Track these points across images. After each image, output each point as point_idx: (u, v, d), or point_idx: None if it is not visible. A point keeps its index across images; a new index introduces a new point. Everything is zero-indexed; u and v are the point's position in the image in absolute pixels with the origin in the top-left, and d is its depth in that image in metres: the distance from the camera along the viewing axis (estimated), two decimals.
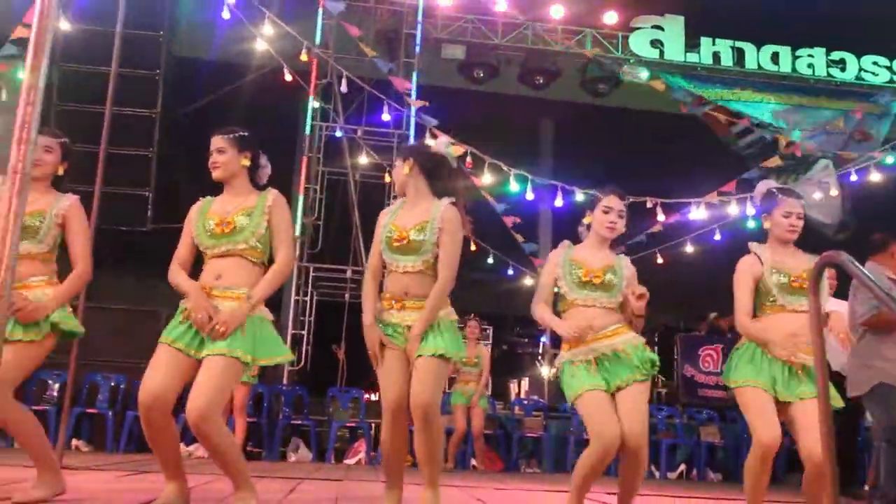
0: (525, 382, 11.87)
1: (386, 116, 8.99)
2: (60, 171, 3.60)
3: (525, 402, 10.57)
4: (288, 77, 8.33)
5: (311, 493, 4.55)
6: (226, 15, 8.15)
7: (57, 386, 8.37)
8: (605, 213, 3.62)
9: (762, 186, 3.88)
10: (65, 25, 8.24)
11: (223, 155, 3.40)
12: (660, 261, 10.07)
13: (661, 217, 9.59)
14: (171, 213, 9.96)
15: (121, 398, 8.72)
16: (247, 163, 3.43)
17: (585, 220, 3.71)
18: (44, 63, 1.70)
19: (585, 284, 3.53)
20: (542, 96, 12.14)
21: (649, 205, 9.17)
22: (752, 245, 3.73)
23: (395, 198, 3.75)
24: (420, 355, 3.36)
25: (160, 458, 3.21)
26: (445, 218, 3.51)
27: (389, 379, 3.40)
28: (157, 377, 3.13)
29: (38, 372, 8.04)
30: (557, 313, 3.62)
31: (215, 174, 3.42)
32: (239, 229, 3.30)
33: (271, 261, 3.38)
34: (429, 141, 8.32)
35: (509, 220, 9.67)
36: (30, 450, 3.37)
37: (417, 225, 3.50)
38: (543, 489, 5.99)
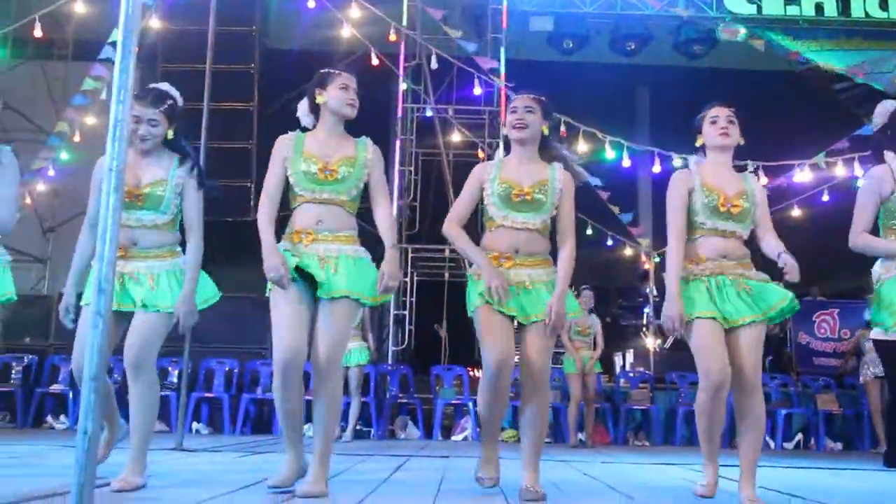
0: (630, 355, 11.68)
1: (477, 90, 8.92)
2: (170, 135, 3.42)
3: (631, 374, 10.41)
4: (375, 61, 8.38)
5: (419, 470, 4.61)
6: (311, 3, 8.26)
7: (176, 372, 8.76)
8: (713, 123, 3.40)
9: (887, 105, 3.61)
10: (156, 24, 8.52)
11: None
12: None
13: (763, 180, 9.20)
14: None
15: (235, 382, 9.08)
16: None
17: (698, 143, 3.48)
18: (132, 63, 1.75)
19: (721, 213, 3.30)
20: (634, 62, 11.83)
21: (751, 168, 8.79)
22: (888, 155, 3.45)
23: None
24: (535, 321, 3.27)
25: (288, 423, 3.28)
26: (566, 181, 3.44)
27: (496, 337, 3.24)
28: (294, 326, 3.17)
29: (159, 360, 8.45)
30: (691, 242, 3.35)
31: (351, 112, 3.36)
32: (342, 179, 3.28)
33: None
34: None
35: (606, 193, 9.49)
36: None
37: (537, 184, 3.39)
38: (652, 462, 5.89)
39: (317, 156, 3.28)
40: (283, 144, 3.35)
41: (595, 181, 9.10)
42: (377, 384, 9.12)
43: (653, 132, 12.28)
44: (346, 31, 8.35)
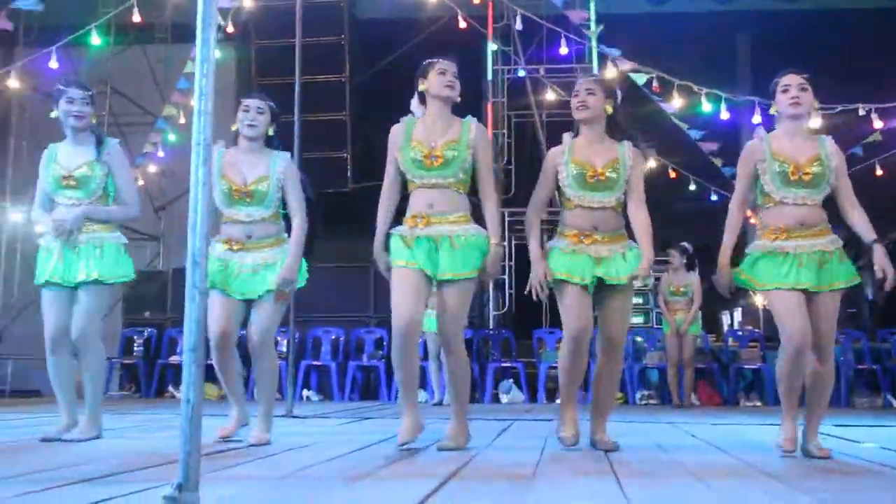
0: (738, 313, 11.31)
1: (564, 50, 8.69)
2: (270, 132, 3.85)
3: (739, 332, 10.09)
4: (463, 24, 8.27)
5: (523, 433, 4.60)
6: None
7: (284, 342, 9.03)
8: (785, 91, 3.46)
9: None
10: (248, 2, 8.65)
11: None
12: (879, 172, 9.12)
13: (877, 124, 8.63)
14: (368, 172, 10.34)
15: (342, 349, 9.30)
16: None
17: (772, 111, 3.54)
18: (212, 37, 1.76)
19: (793, 182, 3.40)
20: (732, 9, 11.28)
21: (862, 112, 8.25)
22: None
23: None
24: (614, 284, 3.53)
25: (406, 384, 3.54)
26: (635, 158, 3.63)
27: (576, 310, 3.53)
28: (410, 301, 3.42)
29: None
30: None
31: (450, 93, 3.57)
32: (447, 163, 3.48)
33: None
34: (610, 71, 8.03)
35: (708, 145, 9.11)
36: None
37: (609, 163, 3.58)
38: (763, 423, 5.69)
39: (423, 142, 3.50)
40: (395, 133, 3.60)
41: (696, 134, 8.76)
42: (479, 348, 9.15)
43: (756, 81, 11.72)
44: None
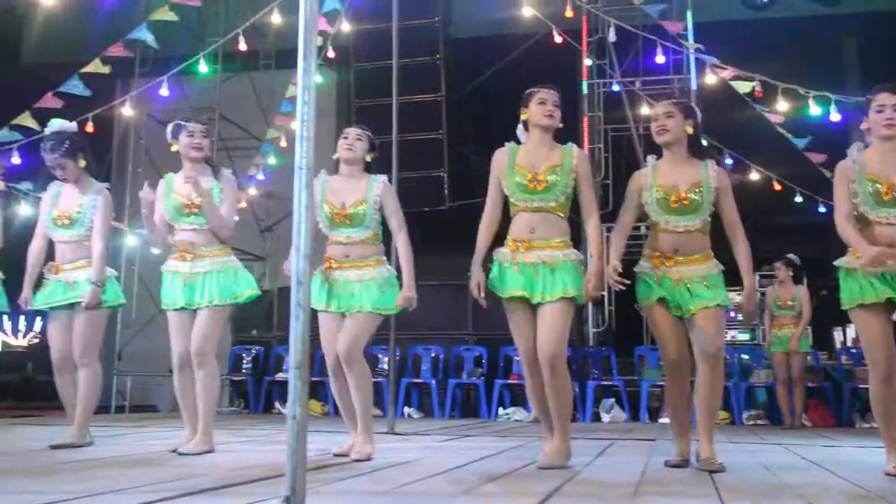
0: (851, 330, 10.77)
1: (660, 59, 8.50)
2: (369, 158, 4.06)
3: (853, 350, 9.62)
4: (558, 39, 8.24)
5: (623, 454, 4.52)
6: None
7: (386, 359, 9.15)
8: (879, 111, 3.40)
9: None
10: (346, 27, 8.89)
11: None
12: None
13: None
14: (464, 190, 10.43)
15: (441, 367, 9.35)
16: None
17: (863, 126, 3.48)
18: (313, 65, 1.83)
19: (885, 202, 3.35)
20: (838, 12, 10.84)
21: None
22: None
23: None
24: (704, 308, 3.53)
25: (539, 407, 3.66)
26: (720, 178, 3.63)
27: (668, 339, 3.60)
28: (528, 331, 3.56)
29: (370, 347, 8.90)
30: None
31: (549, 123, 3.66)
32: (550, 187, 3.56)
33: None
34: (710, 78, 7.82)
35: (816, 156, 8.74)
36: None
37: (692, 186, 3.59)
38: (879, 446, 5.41)
39: (526, 167, 3.59)
40: (498, 158, 3.70)
41: (800, 142, 8.43)
42: (578, 367, 9.05)
43: (865, 82, 11.21)
44: (527, 12, 8.25)
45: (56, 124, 4.44)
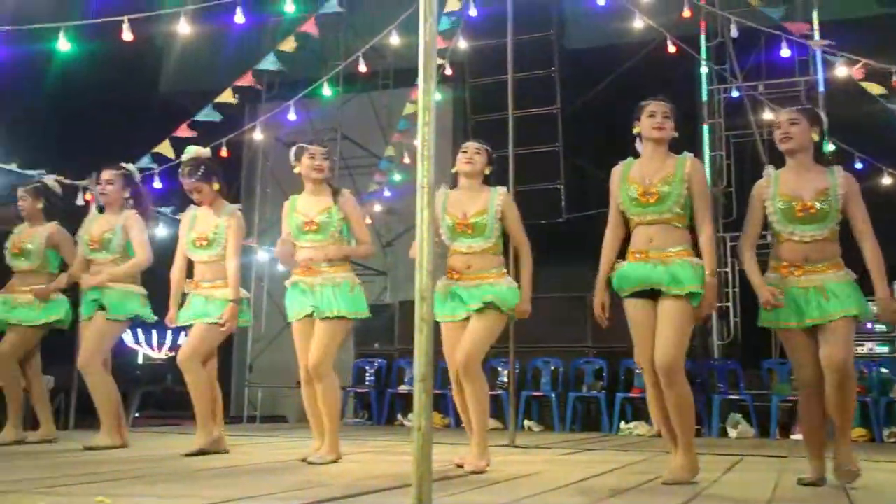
0: None
1: (785, 52, 8.12)
2: (487, 171, 4.16)
3: None
4: (672, 48, 8.06)
5: (752, 471, 4.38)
6: (601, 1, 8.17)
7: (505, 372, 9.18)
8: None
9: None
10: (462, 44, 9.02)
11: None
12: None
13: None
14: (581, 202, 10.36)
15: (561, 380, 9.29)
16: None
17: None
18: (432, 87, 1.89)
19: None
20: None
21: None
22: None
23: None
24: (835, 318, 3.39)
25: (666, 426, 3.59)
26: (848, 184, 3.51)
27: (801, 357, 3.49)
28: (650, 347, 3.51)
29: (490, 360, 8.95)
30: None
31: (659, 134, 3.62)
32: (662, 198, 3.54)
33: None
34: (840, 71, 7.44)
35: None
36: None
37: (818, 194, 3.49)
38: None
39: (638, 181, 3.59)
40: (614, 174, 3.71)
41: None
42: (703, 380, 8.79)
43: None
44: (640, 22, 8.12)
45: (192, 151, 4.75)
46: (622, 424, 8.63)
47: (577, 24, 11.14)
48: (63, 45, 5.72)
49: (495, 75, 9.76)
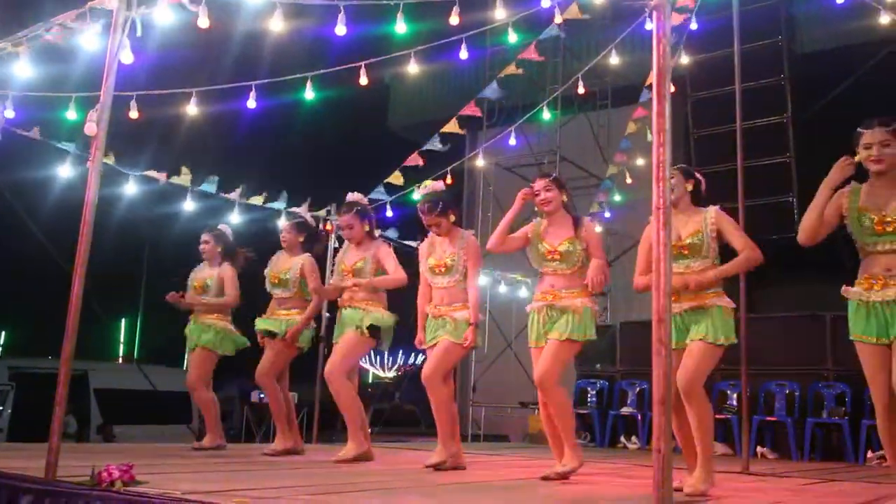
0: None
1: None
2: (689, 187, 4.14)
3: None
4: None
5: None
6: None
7: (735, 395, 8.77)
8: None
9: None
10: (685, 59, 8.80)
11: (888, 149, 3.48)
12: None
13: None
14: None
15: (797, 405, 8.71)
16: None
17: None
18: (667, 108, 1.92)
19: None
20: None
21: None
22: None
23: None
24: None
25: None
26: None
27: (877, 377, 3.51)
28: (886, 376, 3.47)
29: (717, 383, 8.60)
30: None
31: (875, 167, 3.51)
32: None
33: None
34: None
35: None
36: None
37: None
38: None
39: (870, 209, 3.47)
40: (841, 199, 3.60)
41: None
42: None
43: None
44: (885, 19, 7.48)
45: (428, 186, 5.04)
46: (868, 454, 7.93)
47: (808, 26, 10.53)
48: (308, 93, 6.22)
49: (718, 87, 9.44)
